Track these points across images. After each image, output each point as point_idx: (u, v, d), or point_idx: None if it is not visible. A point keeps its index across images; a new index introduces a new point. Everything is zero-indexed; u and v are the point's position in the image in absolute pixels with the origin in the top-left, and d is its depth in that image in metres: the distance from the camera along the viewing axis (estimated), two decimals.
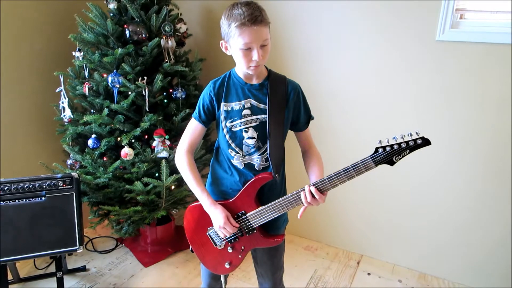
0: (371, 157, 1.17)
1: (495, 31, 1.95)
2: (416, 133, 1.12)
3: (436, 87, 2.14)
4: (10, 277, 2.18)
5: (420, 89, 2.18)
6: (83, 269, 2.42)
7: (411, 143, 1.12)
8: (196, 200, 1.43)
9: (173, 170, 2.21)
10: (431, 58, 2.11)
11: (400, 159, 1.15)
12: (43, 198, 2.00)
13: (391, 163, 1.16)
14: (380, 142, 1.16)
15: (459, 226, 2.28)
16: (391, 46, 2.19)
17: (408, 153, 1.14)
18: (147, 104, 2.21)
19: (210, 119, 1.41)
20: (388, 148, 1.14)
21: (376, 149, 1.16)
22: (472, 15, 2.04)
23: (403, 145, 1.13)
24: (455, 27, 2.05)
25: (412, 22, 2.10)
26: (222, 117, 1.35)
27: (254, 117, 1.33)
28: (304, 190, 1.27)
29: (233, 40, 1.22)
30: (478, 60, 2.01)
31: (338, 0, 2.26)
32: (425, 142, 1.11)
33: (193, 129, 1.42)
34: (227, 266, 1.48)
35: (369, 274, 2.45)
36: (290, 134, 1.45)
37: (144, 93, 2.19)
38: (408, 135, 1.13)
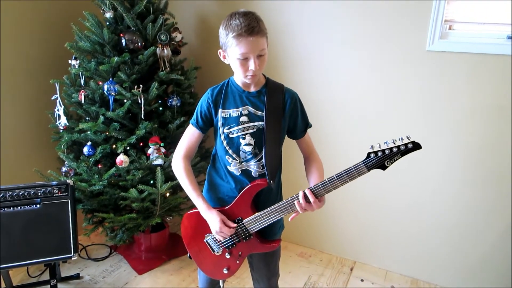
0: (364, 162, 1.20)
1: (483, 42, 2.01)
2: (407, 137, 1.15)
3: (427, 95, 2.19)
4: (3, 285, 2.16)
5: (411, 97, 2.23)
6: (77, 277, 2.41)
7: (402, 147, 1.15)
8: (193, 207, 1.45)
9: (168, 177, 2.22)
10: (422, 67, 2.16)
11: (392, 163, 1.18)
12: (38, 206, 2.00)
13: (383, 167, 1.19)
14: (372, 147, 1.19)
15: (451, 231, 2.32)
16: (383, 56, 2.25)
17: (400, 157, 1.17)
18: (142, 111, 2.23)
19: (207, 126, 1.43)
20: (379, 153, 1.17)
21: (368, 154, 1.19)
22: (460, 26, 2.11)
23: (395, 149, 1.16)
24: (444, 37, 2.11)
25: (403, 32, 2.16)
26: (219, 123, 1.38)
27: (252, 124, 1.36)
28: (298, 196, 1.29)
29: (231, 50, 1.26)
30: (467, 70, 2.06)
31: (332, 11, 2.32)
32: (416, 146, 1.14)
33: (190, 135, 1.45)
34: (225, 271, 1.49)
35: (362, 280, 2.47)
36: (289, 141, 1.47)
37: (139, 101, 2.21)
38: (399, 140, 1.15)
